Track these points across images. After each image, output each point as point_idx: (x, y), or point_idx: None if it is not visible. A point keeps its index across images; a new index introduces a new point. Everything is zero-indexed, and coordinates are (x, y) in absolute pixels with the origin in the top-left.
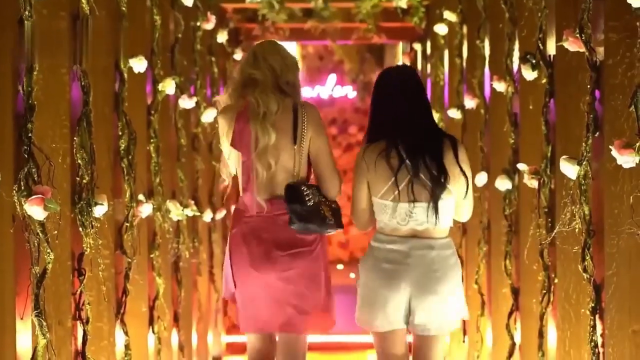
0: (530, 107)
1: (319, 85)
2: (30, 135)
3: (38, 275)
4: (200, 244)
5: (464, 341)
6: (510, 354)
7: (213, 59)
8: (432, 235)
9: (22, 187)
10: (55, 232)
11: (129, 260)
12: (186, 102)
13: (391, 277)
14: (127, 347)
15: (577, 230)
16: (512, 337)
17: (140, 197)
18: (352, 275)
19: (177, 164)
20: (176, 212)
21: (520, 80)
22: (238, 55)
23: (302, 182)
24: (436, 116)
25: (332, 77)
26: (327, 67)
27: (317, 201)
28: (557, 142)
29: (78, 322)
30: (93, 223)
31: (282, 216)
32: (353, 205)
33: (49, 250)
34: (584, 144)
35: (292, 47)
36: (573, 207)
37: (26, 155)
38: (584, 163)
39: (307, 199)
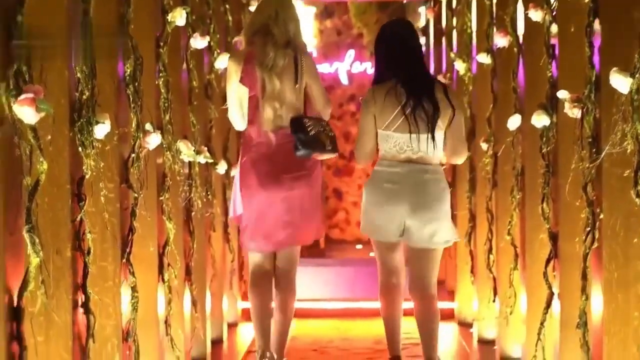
0: (572, 30)
1: (337, 61)
2: (21, 28)
3: (30, 187)
4: (213, 197)
5: (493, 300)
6: (549, 304)
7: (227, 6)
8: (426, 161)
9: (11, 86)
10: (51, 147)
11: (135, 195)
12: (198, 42)
13: (391, 195)
14: (133, 289)
15: (628, 151)
16: (550, 287)
17: (148, 126)
18: (372, 254)
19: (189, 107)
20: (187, 152)
21: (558, 6)
22: (253, 7)
23: (304, 115)
24: (463, 66)
25: (351, 53)
26: (345, 42)
27: (317, 131)
28: (602, 65)
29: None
30: (94, 143)
31: (286, 144)
32: (360, 138)
33: (41, 159)
34: (637, 55)
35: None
36: (624, 126)
37: (17, 50)
38: (637, 75)
39: (309, 129)
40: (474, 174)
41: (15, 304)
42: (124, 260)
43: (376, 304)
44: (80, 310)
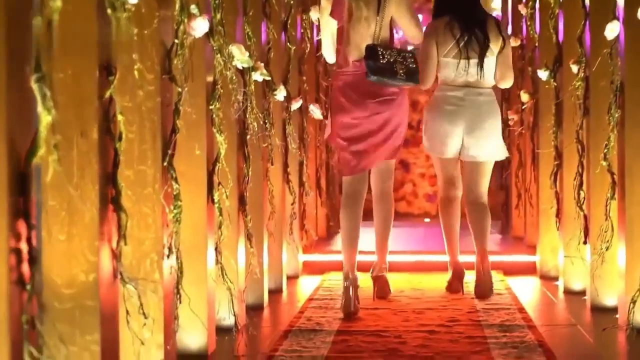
0: None
1: None
2: None
3: (41, 28)
4: (272, 126)
5: (585, 242)
6: None
7: None
8: (480, 85)
9: None
10: None
11: (179, 89)
12: None
13: (450, 116)
14: (176, 197)
15: None
16: None
17: (193, 8)
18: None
19: (245, 17)
20: (241, 58)
21: None
22: None
23: (381, 44)
24: None
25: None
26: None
27: (392, 60)
28: None
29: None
30: (126, 5)
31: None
32: (423, 63)
33: None
34: None
35: None
36: None
37: None
38: None
39: (380, 57)
40: (560, 103)
41: (22, 168)
42: (166, 164)
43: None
44: (110, 206)
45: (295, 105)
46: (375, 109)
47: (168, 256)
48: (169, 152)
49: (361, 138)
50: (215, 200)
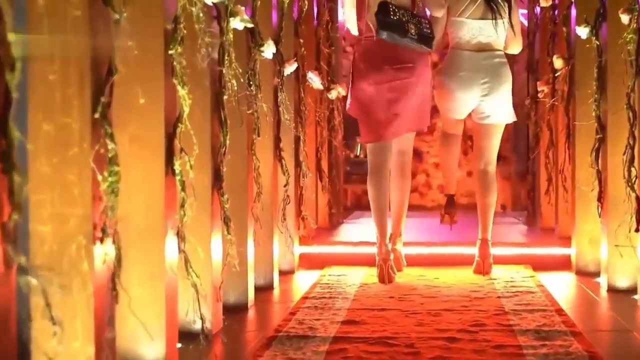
0: None
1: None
2: None
3: None
4: (259, 89)
5: (638, 229)
6: None
7: None
8: (494, 47)
9: None
10: None
11: (116, 16)
12: None
13: (466, 82)
14: (112, 161)
15: None
16: None
17: None
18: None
19: None
20: None
21: None
22: None
23: (394, 3)
24: None
25: None
26: None
27: (404, 19)
28: None
29: None
30: None
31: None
32: (437, 23)
33: None
34: None
35: None
36: None
37: None
38: None
39: (391, 13)
40: (604, 65)
41: None
42: (97, 115)
43: (467, 250)
44: None
45: (289, 69)
46: (394, 75)
47: (102, 240)
48: (102, 99)
49: (380, 105)
50: (176, 172)
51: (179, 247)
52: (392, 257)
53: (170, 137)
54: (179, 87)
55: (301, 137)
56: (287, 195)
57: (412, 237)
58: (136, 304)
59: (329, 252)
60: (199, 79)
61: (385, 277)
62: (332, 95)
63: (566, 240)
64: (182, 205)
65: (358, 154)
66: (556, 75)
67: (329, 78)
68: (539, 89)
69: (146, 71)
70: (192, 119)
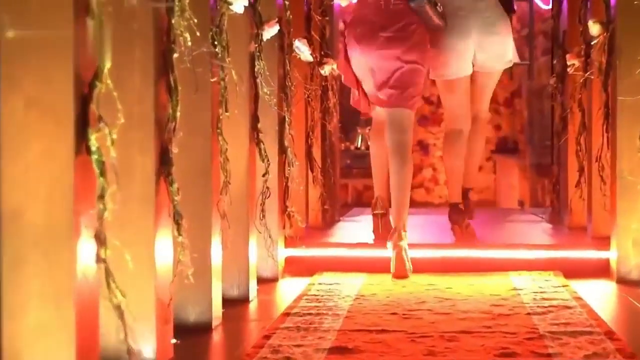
0: None
1: None
2: None
3: None
4: (225, 51)
5: None
6: None
7: None
8: None
9: None
10: None
11: None
12: None
13: (460, 29)
14: None
15: None
16: None
17: None
18: None
19: None
20: None
21: None
22: None
23: None
24: None
25: None
26: None
27: None
28: None
29: None
30: None
31: (387, 2)
32: None
33: None
34: None
35: None
36: None
37: None
38: None
39: None
40: None
41: None
42: None
43: (497, 253)
44: None
45: (269, 32)
46: (385, 43)
47: None
48: None
49: (369, 74)
50: (92, 150)
51: (98, 255)
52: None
53: (83, 101)
54: (94, 28)
55: (287, 118)
56: (267, 188)
57: (418, 238)
58: (34, 335)
59: (320, 255)
60: (141, 29)
61: (379, 232)
62: (325, 70)
63: (602, 241)
64: (102, 197)
65: (359, 145)
66: (592, 43)
67: (322, 52)
68: (568, 62)
69: (47, 7)
70: (129, 81)
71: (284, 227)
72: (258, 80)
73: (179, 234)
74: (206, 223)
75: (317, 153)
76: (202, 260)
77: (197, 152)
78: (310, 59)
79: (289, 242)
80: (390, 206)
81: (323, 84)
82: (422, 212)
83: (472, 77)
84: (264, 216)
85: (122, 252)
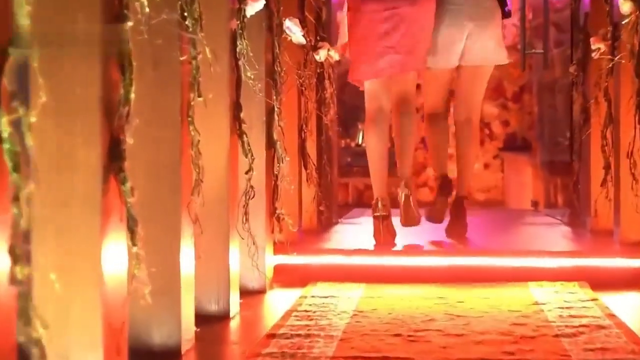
0: None
1: None
2: None
3: None
4: (197, 25)
5: None
6: None
7: None
8: None
9: None
10: None
11: None
12: None
13: (452, 16)
14: None
15: None
16: None
17: None
18: None
19: None
20: None
21: None
22: None
23: None
24: None
25: None
26: None
27: None
28: None
29: None
30: None
31: None
32: None
33: None
34: None
35: None
36: None
37: None
38: None
39: None
40: None
41: None
42: None
43: (515, 261)
44: None
45: (253, 7)
46: (390, 3)
47: None
48: None
49: (372, 36)
50: (3, 137)
51: (12, 275)
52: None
53: None
54: None
55: (276, 108)
56: (251, 187)
57: (423, 243)
58: None
59: (313, 263)
60: None
61: (380, 236)
62: (321, 56)
63: (632, 248)
64: (16, 198)
65: (360, 142)
66: (623, 23)
67: (318, 37)
68: (592, 46)
69: None
70: (68, 54)
71: (272, 232)
72: (240, 63)
73: (134, 244)
74: (174, 228)
75: (311, 148)
76: (170, 272)
77: (163, 145)
78: (303, 41)
79: (279, 249)
80: (392, 207)
81: (318, 70)
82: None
83: (459, 73)
84: (247, 219)
85: (59, 265)
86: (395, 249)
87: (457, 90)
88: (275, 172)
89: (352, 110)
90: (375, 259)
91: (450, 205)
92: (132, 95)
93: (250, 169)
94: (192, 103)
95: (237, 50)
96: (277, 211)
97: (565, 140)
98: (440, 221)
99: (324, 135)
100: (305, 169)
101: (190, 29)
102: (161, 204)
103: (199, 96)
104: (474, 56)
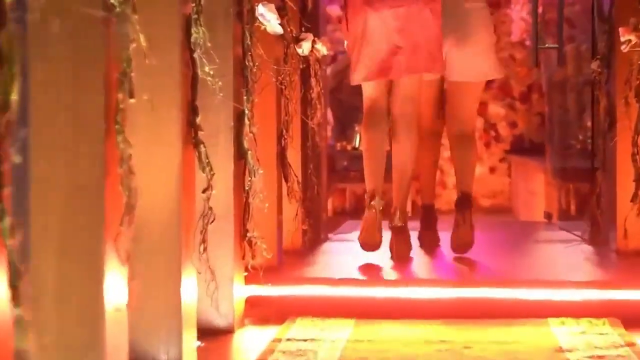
0: None
1: None
2: None
3: None
4: (128, 5)
5: None
6: None
7: None
8: None
9: None
10: None
11: None
12: None
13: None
14: None
15: None
16: None
17: None
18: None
19: None
20: None
21: None
22: None
23: None
24: None
25: None
26: None
27: None
28: None
29: None
30: None
31: None
32: None
33: None
34: None
35: None
36: None
37: None
38: None
39: None
40: None
41: None
42: None
43: (521, 293)
44: None
45: None
46: (395, 2)
47: None
48: None
49: (379, 36)
50: None
51: None
52: None
53: None
54: None
55: (246, 111)
56: (210, 209)
57: (422, 270)
58: None
59: (294, 294)
60: None
61: (369, 239)
62: (304, 49)
63: None
64: None
65: (357, 145)
66: None
67: (303, 28)
68: (622, 38)
69: None
70: None
71: (243, 258)
72: (196, 56)
73: (16, 304)
74: (95, 268)
75: (295, 157)
76: (91, 326)
77: (82, 161)
78: (279, 30)
79: (252, 278)
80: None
81: (302, 66)
82: None
83: (449, 88)
84: (205, 248)
85: None
86: (388, 277)
87: (447, 104)
88: (247, 188)
89: (349, 111)
90: (367, 290)
91: (455, 207)
92: (13, 97)
93: (208, 187)
94: (120, 105)
95: (192, 40)
96: (249, 234)
97: (577, 144)
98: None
99: (310, 142)
100: (286, 181)
101: (118, 9)
102: (80, 238)
103: (131, 97)
104: (457, 72)
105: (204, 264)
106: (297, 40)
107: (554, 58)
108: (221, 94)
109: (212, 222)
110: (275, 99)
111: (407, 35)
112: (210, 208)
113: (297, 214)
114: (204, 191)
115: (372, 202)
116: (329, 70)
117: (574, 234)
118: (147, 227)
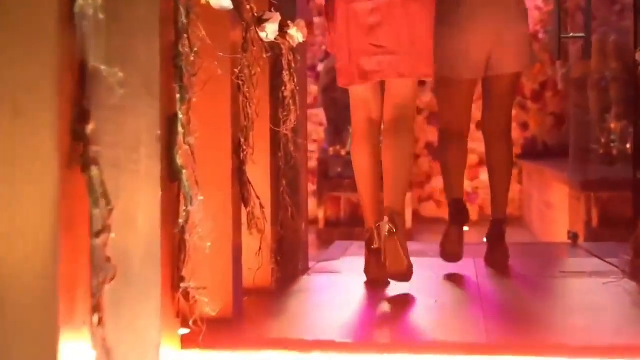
0: None
1: None
2: None
3: None
4: None
5: None
6: None
7: None
8: None
9: None
10: None
11: None
12: None
13: (471, 18)
14: None
15: None
16: None
17: None
18: (485, 239)
19: None
20: None
21: None
22: None
23: None
24: None
25: None
26: None
27: None
28: None
29: None
30: None
31: None
32: None
33: None
34: None
35: None
36: None
37: None
38: None
39: None
40: None
41: None
42: None
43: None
44: None
45: None
46: None
47: None
48: None
49: (362, 35)
50: None
51: None
52: None
53: None
54: None
55: (179, 115)
56: (107, 260)
57: (422, 294)
58: None
59: None
60: None
61: (372, 274)
62: (268, 33)
63: None
64: None
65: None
66: None
67: (272, 8)
68: None
69: None
70: None
71: (177, 315)
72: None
73: None
74: None
75: (261, 173)
76: None
77: None
78: (227, 3)
79: (189, 340)
80: None
81: (267, 54)
82: (428, 238)
83: (484, 84)
84: (101, 320)
85: None
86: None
87: (486, 102)
88: (181, 221)
89: (344, 111)
90: (348, 357)
91: (488, 232)
92: None
93: (103, 229)
94: None
95: (77, 10)
96: (184, 283)
97: (599, 148)
98: (457, 258)
99: (282, 152)
100: (245, 206)
101: None
102: None
103: None
104: (504, 65)
105: (100, 342)
106: (260, 22)
107: (572, 52)
108: (122, 90)
109: (112, 280)
110: (231, 99)
111: (389, 32)
112: (109, 259)
113: (260, 248)
114: (97, 235)
115: (374, 246)
116: (321, 67)
117: (610, 263)
118: (10, 289)
